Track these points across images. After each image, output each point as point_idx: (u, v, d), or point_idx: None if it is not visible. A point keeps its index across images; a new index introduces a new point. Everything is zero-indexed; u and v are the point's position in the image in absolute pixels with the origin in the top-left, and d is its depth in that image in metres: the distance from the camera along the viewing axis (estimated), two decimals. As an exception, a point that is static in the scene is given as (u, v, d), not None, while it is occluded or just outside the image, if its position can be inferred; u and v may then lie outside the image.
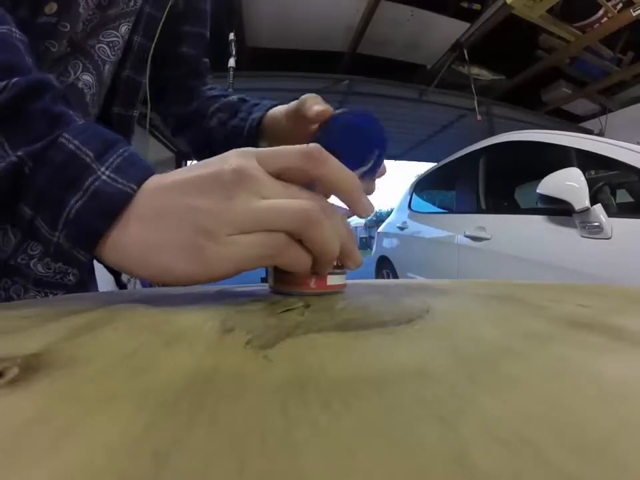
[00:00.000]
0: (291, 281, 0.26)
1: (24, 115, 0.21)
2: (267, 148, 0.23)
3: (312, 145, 0.22)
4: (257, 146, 0.41)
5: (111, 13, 0.37)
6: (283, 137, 0.38)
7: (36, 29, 0.30)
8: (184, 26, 0.47)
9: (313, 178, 0.23)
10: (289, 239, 0.21)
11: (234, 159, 0.22)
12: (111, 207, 0.21)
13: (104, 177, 0.21)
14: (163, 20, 0.41)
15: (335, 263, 0.26)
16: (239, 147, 0.23)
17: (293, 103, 0.37)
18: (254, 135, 0.42)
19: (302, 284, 0.25)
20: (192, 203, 0.21)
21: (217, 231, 0.20)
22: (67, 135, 0.21)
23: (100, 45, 0.37)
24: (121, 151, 0.23)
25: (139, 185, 0.22)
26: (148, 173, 0.22)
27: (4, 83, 0.21)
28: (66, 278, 0.38)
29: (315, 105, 0.32)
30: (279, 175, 0.22)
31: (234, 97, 0.49)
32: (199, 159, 0.47)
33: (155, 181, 0.22)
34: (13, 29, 0.24)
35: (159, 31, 0.41)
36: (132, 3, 0.38)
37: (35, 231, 0.22)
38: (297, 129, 0.36)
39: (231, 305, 0.24)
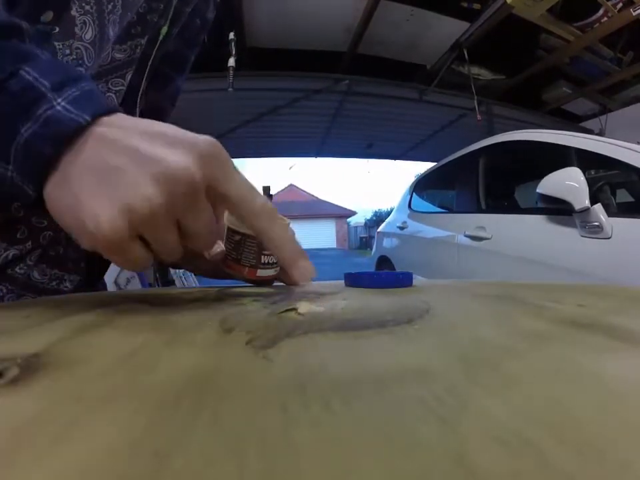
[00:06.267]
0: (234, 267, 0.32)
1: None
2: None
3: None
4: None
5: (120, 57, 0.36)
6: None
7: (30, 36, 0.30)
8: (161, 66, 0.45)
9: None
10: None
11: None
12: (60, 133, 0.20)
13: (58, 107, 0.21)
14: (152, 57, 0.40)
15: (267, 260, 0.32)
16: None
17: None
18: None
19: (239, 271, 0.32)
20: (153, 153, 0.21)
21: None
22: (27, 68, 0.21)
23: (108, 94, 0.36)
24: (83, 84, 0.22)
25: (94, 116, 0.21)
26: (104, 108, 0.22)
27: None
28: (62, 284, 0.37)
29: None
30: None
31: None
32: None
33: (113, 121, 0.22)
34: None
35: (148, 69, 0.40)
36: (138, 50, 0.37)
37: None
38: None
39: (231, 305, 0.24)
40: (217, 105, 3.71)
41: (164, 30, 0.39)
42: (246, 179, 0.24)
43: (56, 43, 0.30)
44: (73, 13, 0.30)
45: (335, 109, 4.17)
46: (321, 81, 3.58)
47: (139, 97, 0.40)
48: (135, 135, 0.21)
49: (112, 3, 0.33)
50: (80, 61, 0.32)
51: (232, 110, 3.90)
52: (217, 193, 0.22)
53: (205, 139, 0.22)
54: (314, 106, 3.98)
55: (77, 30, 0.31)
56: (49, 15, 0.29)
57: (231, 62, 2.72)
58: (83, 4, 0.31)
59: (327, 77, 3.53)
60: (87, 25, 0.31)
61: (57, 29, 0.30)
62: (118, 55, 0.36)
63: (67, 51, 0.31)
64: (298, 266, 0.26)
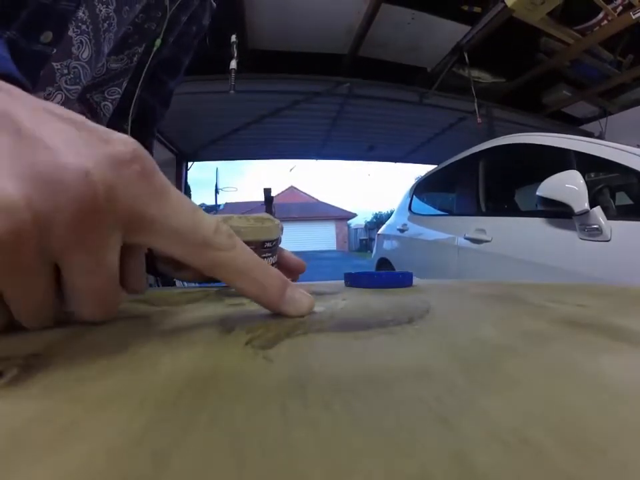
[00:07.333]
0: None
1: None
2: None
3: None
4: None
5: (116, 67, 0.36)
6: None
7: (29, 55, 0.29)
8: (156, 72, 0.45)
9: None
10: None
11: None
12: None
13: None
14: (147, 64, 0.40)
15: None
16: None
17: None
18: None
19: None
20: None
21: None
22: None
23: (105, 102, 0.36)
24: None
25: None
26: None
27: None
28: None
29: None
30: None
31: None
32: None
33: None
34: None
35: (143, 76, 0.40)
36: (135, 58, 0.38)
37: None
38: None
39: (231, 305, 0.24)
40: (219, 106, 3.72)
41: (158, 42, 0.40)
42: (184, 197, 0.17)
43: (54, 64, 0.30)
44: (70, 33, 0.30)
45: (335, 111, 4.17)
46: (322, 84, 3.59)
47: (133, 103, 0.40)
48: (23, 109, 0.14)
49: (108, 22, 0.33)
50: (77, 79, 0.32)
51: (233, 112, 3.91)
52: (134, 218, 0.15)
53: (120, 138, 0.15)
54: (315, 108, 3.99)
55: (74, 50, 0.31)
56: (48, 36, 0.29)
57: (233, 64, 2.73)
58: (80, 24, 0.31)
59: (328, 80, 3.54)
60: (84, 44, 0.31)
61: (55, 50, 0.30)
62: (114, 65, 0.36)
63: (65, 71, 0.31)
64: (285, 300, 0.19)
